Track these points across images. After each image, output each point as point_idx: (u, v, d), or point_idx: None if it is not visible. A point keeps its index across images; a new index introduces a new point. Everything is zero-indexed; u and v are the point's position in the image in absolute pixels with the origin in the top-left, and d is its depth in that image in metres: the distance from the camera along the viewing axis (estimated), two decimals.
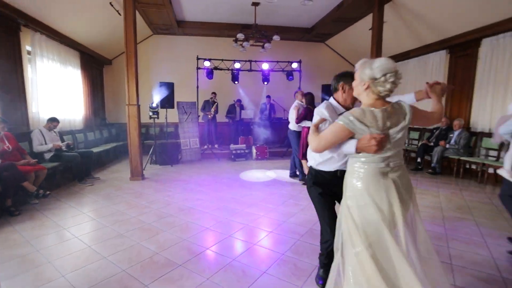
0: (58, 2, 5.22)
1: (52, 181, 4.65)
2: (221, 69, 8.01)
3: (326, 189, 1.95)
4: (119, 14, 5.95)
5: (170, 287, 2.10)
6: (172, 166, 6.67)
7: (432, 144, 6.21)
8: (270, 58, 8.47)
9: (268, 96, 8.95)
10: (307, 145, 5.11)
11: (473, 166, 5.69)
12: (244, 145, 7.90)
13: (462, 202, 4.08)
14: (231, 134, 8.91)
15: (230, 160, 7.52)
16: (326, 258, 2.02)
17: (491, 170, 5.20)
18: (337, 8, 7.05)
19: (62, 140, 5.30)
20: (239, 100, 8.77)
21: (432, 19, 6.15)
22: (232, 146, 7.74)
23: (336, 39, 9.15)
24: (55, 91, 5.84)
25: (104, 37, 7.33)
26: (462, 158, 5.50)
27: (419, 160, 6.24)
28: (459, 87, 6.28)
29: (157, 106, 6.53)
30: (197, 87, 7.80)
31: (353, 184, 1.52)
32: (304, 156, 4.87)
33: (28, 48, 5.20)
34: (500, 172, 2.69)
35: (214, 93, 8.14)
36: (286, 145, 8.40)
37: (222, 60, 7.89)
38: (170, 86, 6.82)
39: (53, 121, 4.93)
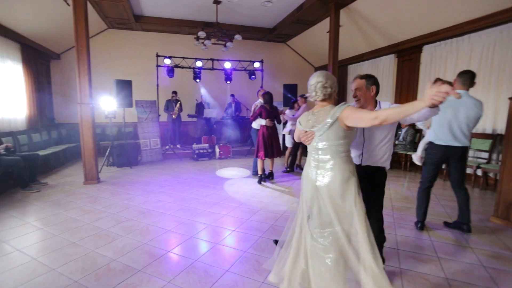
0: None
1: None
2: (182, 67, 7.82)
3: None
4: (68, 4, 5.49)
5: None
6: (132, 167, 6.37)
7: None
8: (232, 57, 8.48)
9: (233, 95, 8.96)
10: (265, 144, 5.15)
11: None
12: (207, 144, 7.82)
13: (408, 193, 4.50)
14: (194, 134, 8.76)
15: (193, 160, 7.40)
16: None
17: None
18: (296, 11, 7.28)
19: (0, 143, 4.77)
20: (202, 97, 8.63)
21: (382, 26, 6.65)
22: (194, 145, 7.61)
23: (297, 40, 9.45)
24: None
25: (50, 29, 6.71)
26: (408, 153, 6.05)
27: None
28: (405, 88, 6.89)
29: (114, 105, 6.17)
30: (157, 85, 7.53)
31: None
32: (267, 155, 4.97)
33: None
34: (413, 157, 3.30)
35: (175, 92, 7.92)
36: (250, 144, 8.50)
37: (183, 58, 7.70)
38: (128, 84, 6.48)
39: None
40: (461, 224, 3.05)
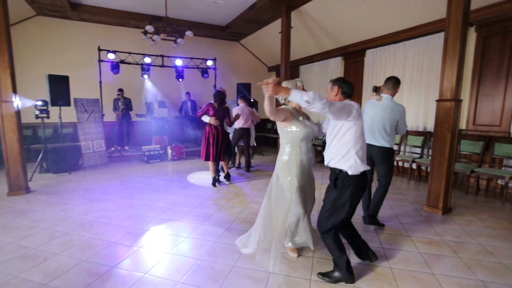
0: None
1: None
2: (128, 63, 7.26)
3: None
4: None
5: None
6: (71, 173, 5.72)
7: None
8: (184, 54, 8.15)
9: (188, 93, 8.62)
10: (207, 144, 4.93)
11: None
12: (159, 145, 7.41)
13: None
14: (144, 134, 8.22)
15: (143, 162, 6.94)
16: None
17: None
18: (249, 10, 7.27)
19: None
20: (154, 94, 8.12)
21: (331, 29, 6.99)
22: (144, 147, 7.15)
23: (250, 39, 9.47)
24: None
25: None
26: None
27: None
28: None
29: (46, 103, 5.45)
30: (100, 82, 6.87)
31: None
32: (208, 158, 4.71)
33: None
34: None
35: (120, 89, 7.34)
36: None
37: (130, 53, 7.15)
38: (64, 80, 5.79)
39: None
40: (367, 215, 3.19)
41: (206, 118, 4.66)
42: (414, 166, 5.46)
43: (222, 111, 4.70)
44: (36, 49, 7.32)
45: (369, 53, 6.82)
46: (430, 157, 5.30)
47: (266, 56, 10.19)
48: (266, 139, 10.29)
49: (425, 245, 2.78)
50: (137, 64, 7.31)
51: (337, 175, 2.15)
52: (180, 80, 8.13)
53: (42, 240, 2.82)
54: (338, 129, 2.09)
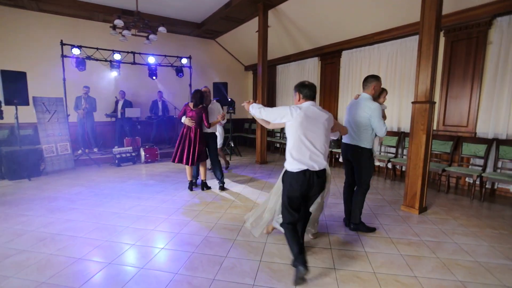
0: None
1: None
2: (96, 60, 6.77)
3: None
4: None
5: None
6: (31, 180, 5.22)
7: None
8: (157, 52, 7.78)
9: (160, 92, 8.24)
10: (178, 145, 4.59)
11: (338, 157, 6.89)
12: (131, 147, 7.02)
13: (334, 188, 4.82)
14: (114, 136, 7.75)
15: (114, 165, 6.52)
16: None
17: None
18: (225, 7, 7.08)
19: None
20: (122, 92, 7.63)
21: (307, 29, 7.00)
22: (115, 149, 6.73)
23: (227, 37, 9.26)
24: None
25: None
26: (333, 150, 6.54)
27: None
28: (328, 89, 7.44)
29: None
30: (64, 79, 6.34)
31: None
32: (180, 160, 4.40)
33: None
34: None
35: (86, 87, 6.84)
36: None
37: (97, 49, 6.68)
38: (20, 77, 5.26)
39: None
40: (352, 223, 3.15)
41: (184, 119, 4.43)
42: (389, 165, 5.61)
43: (197, 112, 4.38)
44: None
45: (345, 54, 6.92)
46: (404, 157, 5.48)
47: (242, 55, 10.04)
48: (244, 139, 10.17)
49: (405, 246, 2.80)
50: (106, 60, 6.85)
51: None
52: (154, 78, 7.74)
53: None
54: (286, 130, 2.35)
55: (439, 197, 4.41)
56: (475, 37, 4.73)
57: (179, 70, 7.98)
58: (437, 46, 3.51)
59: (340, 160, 6.82)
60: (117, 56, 6.85)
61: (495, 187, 4.57)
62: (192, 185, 4.67)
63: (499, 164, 4.38)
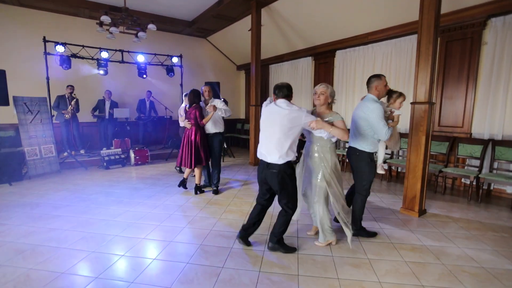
0: None
1: None
2: (82, 58, 6.47)
3: None
4: None
5: None
6: (12, 184, 4.92)
7: (305, 140, 7.03)
8: (146, 50, 7.53)
9: (149, 92, 7.97)
10: (181, 148, 4.46)
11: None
12: (120, 149, 6.76)
13: None
14: (101, 137, 7.46)
15: (102, 168, 6.26)
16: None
17: (347, 160, 6.32)
18: (217, 5, 6.91)
19: None
20: (109, 92, 7.34)
21: (301, 29, 6.89)
22: (103, 151, 6.46)
23: (218, 36, 9.07)
24: None
25: None
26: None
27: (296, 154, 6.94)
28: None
29: None
30: (47, 78, 6.03)
31: (328, 155, 2.69)
32: (181, 163, 4.33)
33: None
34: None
35: (70, 86, 6.54)
36: (171, 146, 7.76)
37: (83, 46, 6.38)
38: None
39: None
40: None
41: (181, 122, 4.30)
42: (385, 166, 5.55)
43: (190, 111, 4.23)
44: None
45: (339, 54, 6.84)
46: (400, 158, 5.44)
47: (235, 54, 9.87)
48: (237, 140, 10.00)
49: (409, 252, 2.71)
50: (92, 59, 6.56)
51: None
52: (145, 76, 7.48)
53: None
54: None
55: (437, 198, 4.36)
56: (469, 37, 4.71)
57: (169, 70, 7.74)
58: (436, 46, 3.44)
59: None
60: (104, 54, 6.57)
61: (491, 188, 4.57)
62: (196, 189, 4.50)
63: (495, 165, 4.38)
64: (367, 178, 2.90)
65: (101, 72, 6.73)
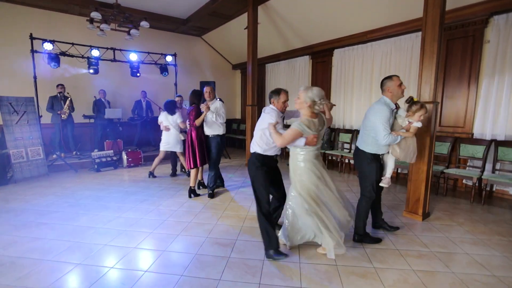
0: None
1: None
2: (71, 56, 6.23)
3: (269, 167, 2.71)
4: None
5: None
6: None
7: None
8: (139, 48, 7.31)
9: (144, 92, 7.74)
10: (186, 150, 4.26)
11: (334, 158, 6.67)
12: (112, 150, 6.53)
13: None
14: (93, 138, 7.22)
15: (93, 171, 6.03)
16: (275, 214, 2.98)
17: (346, 160, 6.20)
18: (212, 2, 6.73)
19: None
20: (103, 92, 7.11)
21: (298, 27, 6.74)
22: (94, 153, 6.23)
23: (214, 34, 8.88)
24: None
25: None
26: (326, 151, 6.31)
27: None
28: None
29: None
30: (35, 77, 5.78)
31: (298, 164, 2.50)
32: (196, 165, 4.22)
33: None
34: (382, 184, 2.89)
35: (61, 85, 6.29)
36: None
37: (73, 44, 6.15)
38: None
39: None
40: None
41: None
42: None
43: (190, 112, 4.23)
44: None
45: (337, 53, 6.71)
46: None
47: (230, 53, 9.68)
48: (232, 140, 9.82)
49: (416, 260, 2.57)
50: (82, 57, 6.32)
51: None
52: (139, 75, 7.26)
53: None
54: None
55: (439, 200, 4.25)
56: (471, 35, 4.61)
57: (163, 69, 7.53)
58: (440, 44, 3.32)
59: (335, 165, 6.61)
60: (95, 53, 6.34)
61: (493, 189, 4.48)
62: (190, 192, 4.38)
63: (498, 166, 4.28)
64: (369, 179, 2.80)
65: (91, 71, 6.48)
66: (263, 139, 2.65)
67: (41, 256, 2.58)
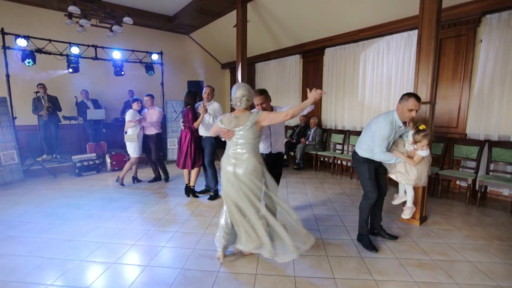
0: None
1: None
2: (49, 53, 5.85)
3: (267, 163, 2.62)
4: None
5: None
6: None
7: (294, 141, 6.73)
8: (124, 46, 6.97)
9: (131, 91, 7.39)
10: (178, 150, 4.02)
11: (326, 159, 6.53)
12: (95, 153, 6.19)
13: (324, 196, 4.42)
14: (75, 141, 6.85)
15: (74, 175, 5.68)
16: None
17: (339, 162, 6.08)
18: None
19: None
20: (85, 92, 6.77)
21: (288, 25, 6.57)
22: (75, 156, 5.87)
23: (201, 32, 8.61)
24: None
25: None
26: (318, 153, 6.17)
27: (285, 157, 6.63)
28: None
29: None
30: (7, 75, 5.38)
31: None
32: (193, 166, 4.17)
33: None
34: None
35: (41, 85, 5.92)
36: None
37: (50, 40, 5.77)
38: None
39: None
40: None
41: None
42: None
43: (183, 113, 4.21)
44: None
45: (329, 52, 6.58)
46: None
47: (219, 52, 9.43)
48: (223, 142, 9.55)
49: (417, 269, 2.42)
50: (61, 54, 5.95)
51: (277, 156, 3.11)
52: (123, 73, 6.92)
53: None
54: (281, 126, 3.09)
55: (434, 202, 4.16)
56: (464, 34, 4.55)
57: (149, 68, 7.22)
58: (437, 42, 3.20)
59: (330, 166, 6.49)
60: (74, 50, 5.97)
61: (487, 190, 4.43)
62: (187, 191, 4.40)
63: (491, 167, 4.22)
64: (363, 178, 2.81)
65: (70, 70, 6.11)
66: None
67: (5, 278, 2.29)
